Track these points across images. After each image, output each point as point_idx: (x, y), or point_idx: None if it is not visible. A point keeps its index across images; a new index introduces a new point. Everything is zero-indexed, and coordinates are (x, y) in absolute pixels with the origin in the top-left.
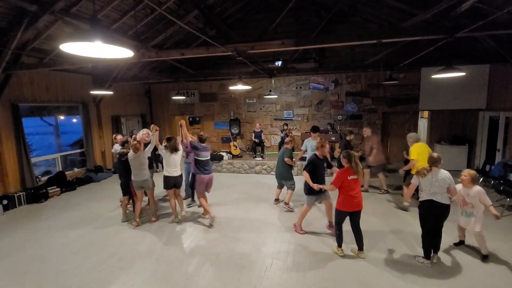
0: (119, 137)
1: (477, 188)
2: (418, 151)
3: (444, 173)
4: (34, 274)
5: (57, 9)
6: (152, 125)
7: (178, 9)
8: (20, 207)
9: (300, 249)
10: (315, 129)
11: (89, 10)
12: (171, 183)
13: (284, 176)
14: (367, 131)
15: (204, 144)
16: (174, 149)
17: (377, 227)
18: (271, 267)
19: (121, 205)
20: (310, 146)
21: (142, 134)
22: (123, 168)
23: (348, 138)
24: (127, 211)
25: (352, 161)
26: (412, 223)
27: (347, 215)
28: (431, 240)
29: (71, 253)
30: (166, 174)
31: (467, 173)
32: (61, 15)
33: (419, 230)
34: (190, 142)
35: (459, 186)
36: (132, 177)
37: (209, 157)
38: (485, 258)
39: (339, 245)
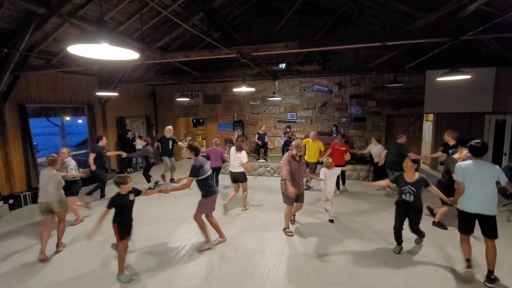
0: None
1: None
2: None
3: None
4: (36, 274)
5: (64, 11)
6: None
7: (183, 11)
8: (26, 206)
9: (303, 252)
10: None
11: (95, 12)
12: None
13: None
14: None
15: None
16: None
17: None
18: (273, 270)
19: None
20: None
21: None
22: None
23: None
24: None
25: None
26: None
27: None
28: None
29: (75, 253)
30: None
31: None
32: (68, 18)
33: None
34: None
35: None
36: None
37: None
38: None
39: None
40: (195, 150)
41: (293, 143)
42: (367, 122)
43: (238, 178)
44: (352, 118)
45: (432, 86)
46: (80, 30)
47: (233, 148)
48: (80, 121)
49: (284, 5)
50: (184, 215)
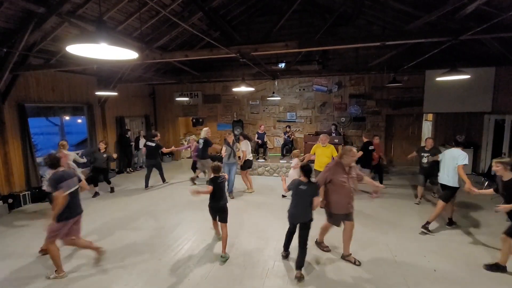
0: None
1: None
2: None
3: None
4: (37, 273)
5: (64, 11)
6: None
7: (182, 11)
8: (25, 206)
9: None
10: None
11: (95, 12)
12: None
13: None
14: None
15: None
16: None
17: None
18: (273, 269)
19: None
20: None
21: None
22: None
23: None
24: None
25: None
26: None
27: None
28: None
29: (74, 252)
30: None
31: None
32: (67, 17)
33: None
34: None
35: None
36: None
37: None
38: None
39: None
40: (50, 163)
41: (346, 147)
42: (367, 121)
43: (251, 163)
44: (352, 117)
45: (432, 86)
46: (80, 30)
47: (245, 141)
48: (79, 120)
49: (284, 4)
50: (183, 215)
